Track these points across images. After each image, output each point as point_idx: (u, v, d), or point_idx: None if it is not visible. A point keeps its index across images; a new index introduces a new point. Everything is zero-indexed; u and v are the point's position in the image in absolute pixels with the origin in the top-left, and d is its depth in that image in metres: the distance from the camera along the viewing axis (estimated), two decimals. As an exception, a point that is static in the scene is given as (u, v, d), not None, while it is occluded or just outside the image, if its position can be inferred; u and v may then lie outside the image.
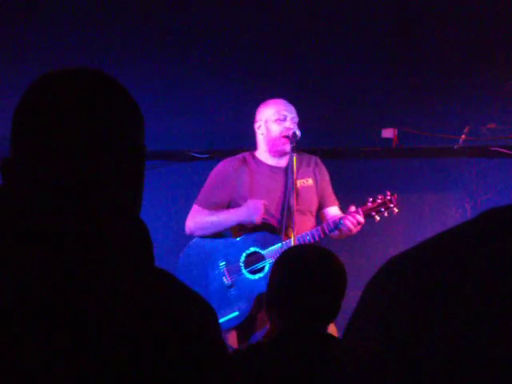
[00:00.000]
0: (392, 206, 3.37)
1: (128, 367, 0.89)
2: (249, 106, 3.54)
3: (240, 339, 3.35)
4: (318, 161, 3.59)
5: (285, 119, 3.39)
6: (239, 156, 3.53)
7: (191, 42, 3.27)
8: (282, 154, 3.44)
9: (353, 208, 3.31)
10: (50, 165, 0.99)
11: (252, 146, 3.58)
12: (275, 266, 2.12)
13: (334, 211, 3.55)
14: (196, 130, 4.51)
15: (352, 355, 0.72)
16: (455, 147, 4.58)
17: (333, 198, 3.59)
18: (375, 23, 3.12)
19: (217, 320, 1.01)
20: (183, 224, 3.51)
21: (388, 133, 4.47)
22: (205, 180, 3.52)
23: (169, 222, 4.64)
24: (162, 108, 4.02)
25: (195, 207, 3.50)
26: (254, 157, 3.51)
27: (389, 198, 3.37)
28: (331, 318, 2.05)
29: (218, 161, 3.57)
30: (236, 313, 3.34)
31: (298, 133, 3.34)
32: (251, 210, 3.30)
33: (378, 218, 3.35)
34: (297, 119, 3.44)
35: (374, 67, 3.64)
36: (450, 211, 4.71)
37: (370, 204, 3.35)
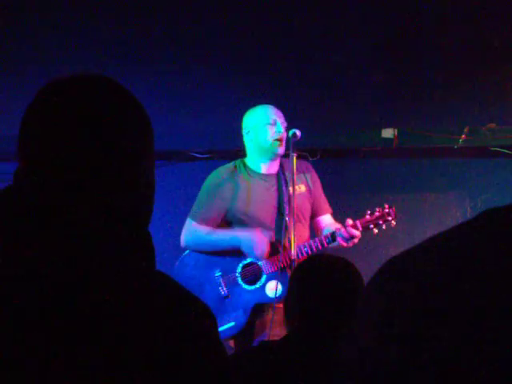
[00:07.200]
0: (390, 218, 3.32)
1: (126, 368, 0.89)
2: (249, 106, 3.54)
3: (237, 349, 3.30)
4: (309, 166, 3.53)
5: (275, 123, 3.35)
6: (230, 165, 3.47)
7: (191, 43, 3.27)
8: (274, 158, 3.39)
9: (350, 221, 3.26)
10: (53, 171, 0.99)
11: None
12: (295, 274, 2.15)
13: (327, 220, 3.50)
14: (196, 130, 4.51)
15: (349, 355, 0.72)
16: (455, 147, 4.58)
17: (326, 205, 3.54)
18: (376, 23, 3.12)
19: (215, 322, 1.02)
20: (182, 224, 3.49)
21: (388, 133, 4.48)
22: (205, 180, 3.49)
23: (169, 221, 4.64)
24: (161, 108, 4.02)
25: (190, 223, 3.42)
26: (245, 165, 3.45)
27: (387, 210, 3.33)
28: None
29: (219, 161, 3.55)
30: (232, 323, 3.30)
31: (298, 133, 3.29)
32: (253, 245, 3.26)
33: (376, 230, 3.31)
34: (285, 124, 3.39)
35: (374, 67, 3.64)
36: (450, 211, 4.71)
37: (368, 217, 3.31)
